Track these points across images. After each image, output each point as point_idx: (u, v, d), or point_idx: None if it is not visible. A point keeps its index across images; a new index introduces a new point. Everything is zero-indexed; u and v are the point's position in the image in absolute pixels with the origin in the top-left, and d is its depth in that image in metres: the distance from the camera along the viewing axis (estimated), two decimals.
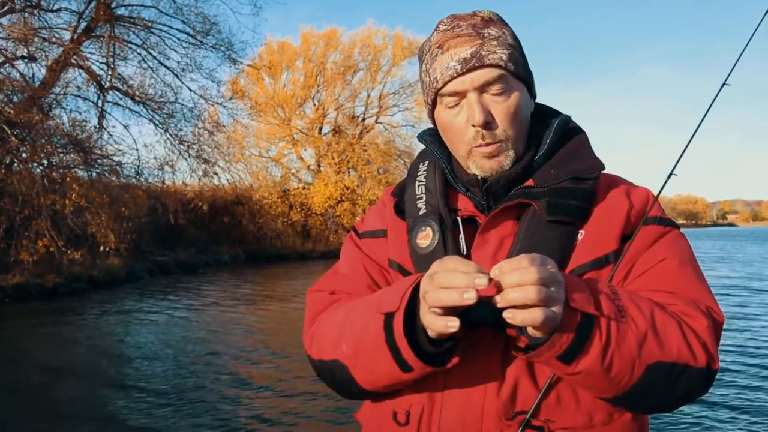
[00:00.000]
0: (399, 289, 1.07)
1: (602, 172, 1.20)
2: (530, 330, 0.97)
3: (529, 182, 1.18)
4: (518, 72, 1.16)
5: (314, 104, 40.30)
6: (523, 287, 0.90)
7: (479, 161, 1.17)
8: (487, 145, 1.15)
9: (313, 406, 5.99)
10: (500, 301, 0.93)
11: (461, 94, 1.15)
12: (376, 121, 40.78)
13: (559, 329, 0.95)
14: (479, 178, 1.20)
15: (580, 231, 1.14)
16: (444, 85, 1.15)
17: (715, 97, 1.34)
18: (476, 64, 1.12)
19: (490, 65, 1.13)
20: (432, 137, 1.31)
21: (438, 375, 1.14)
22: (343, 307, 1.20)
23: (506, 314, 0.93)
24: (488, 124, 1.13)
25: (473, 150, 1.17)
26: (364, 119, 40.80)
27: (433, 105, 1.21)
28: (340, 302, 1.23)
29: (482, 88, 1.14)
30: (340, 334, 1.15)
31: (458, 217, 1.21)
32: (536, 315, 0.91)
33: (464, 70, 1.13)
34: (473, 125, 1.14)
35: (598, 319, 0.97)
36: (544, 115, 1.26)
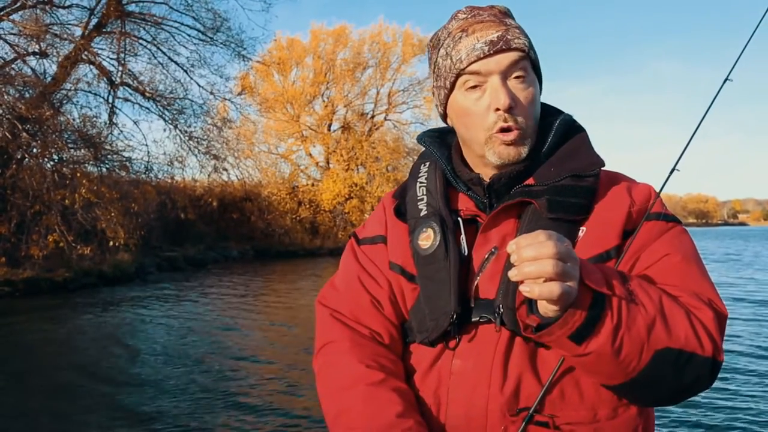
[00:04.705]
0: None
1: (603, 169, 1.20)
2: (542, 307, 0.97)
3: (530, 180, 1.18)
4: (536, 63, 1.18)
5: (323, 101, 40.30)
6: (539, 260, 0.90)
7: (498, 148, 1.16)
8: (510, 130, 1.15)
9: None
10: (516, 274, 0.92)
11: (485, 76, 1.15)
12: (385, 119, 40.71)
13: (572, 306, 0.95)
14: (480, 177, 1.21)
15: (581, 228, 1.15)
16: (469, 65, 1.15)
17: (718, 92, 1.33)
18: (503, 47, 1.13)
19: (516, 49, 1.14)
20: (431, 138, 1.32)
21: (443, 372, 1.16)
22: (336, 395, 1.19)
23: (523, 287, 0.93)
24: (512, 109, 1.14)
25: (493, 136, 1.16)
26: (373, 116, 40.75)
27: (451, 89, 1.20)
28: (339, 363, 1.22)
29: (506, 72, 1.14)
30: (333, 425, 1.17)
31: (459, 218, 1.21)
32: (553, 288, 0.91)
33: (491, 52, 1.13)
34: (498, 108, 1.14)
35: (610, 299, 0.98)
36: (545, 113, 1.26)
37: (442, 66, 1.20)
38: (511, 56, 1.14)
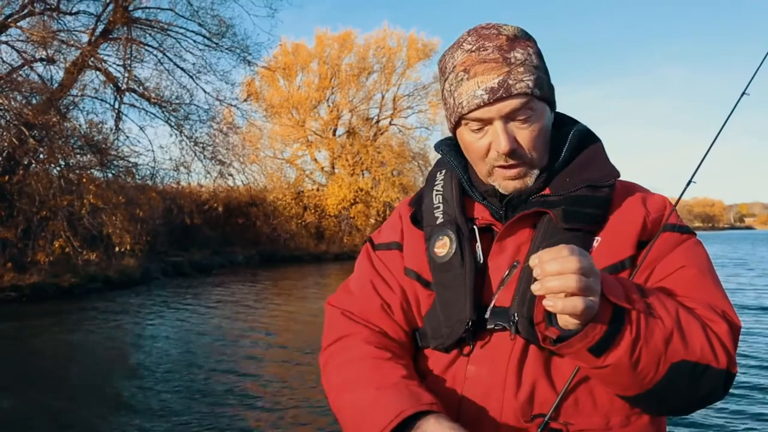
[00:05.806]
0: (381, 418, 1.04)
1: (619, 179, 1.20)
2: (562, 321, 0.98)
3: (546, 191, 1.19)
4: (543, 95, 1.15)
5: (328, 106, 40.39)
6: (563, 275, 0.91)
7: (502, 182, 1.18)
8: (511, 167, 1.16)
9: (326, 404, 5.99)
10: (540, 288, 0.93)
11: (486, 122, 1.15)
12: (390, 123, 40.76)
13: (593, 320, 0.96)
14: (496, 187, 1.21)
15: (596, 237, 1.15)
16: (470, 111, 1.14)
17: (735, 106, 1.32)
18: (504, 95, 1.11)
19: (518, 95, 1.12)
20: (448, 147, 1.32)
21: (457, 377, 1.17)
22: (343, 367, 1.19)
23: (546, 302, 0.93)
24: (513, 151, 1.14)
25: (495, 170, 1.18)
26: (378, 121, 40.81)
27: (456, 125, 1.21)
28: (348, 348, 1.23)
29: (508, 117, 1.13)
30: (336, 407, 1.18)
31: (475, 226, 1.22)
32: (577, 303, 0.91)
33: (491, 100, 1.12)
34: (498, 152, 1.14)
35: (629, 313, 0.98)
36: (560, 123, 1.27)
37: (448, 102, 1.20)
38: (512, 104, 1.12)
